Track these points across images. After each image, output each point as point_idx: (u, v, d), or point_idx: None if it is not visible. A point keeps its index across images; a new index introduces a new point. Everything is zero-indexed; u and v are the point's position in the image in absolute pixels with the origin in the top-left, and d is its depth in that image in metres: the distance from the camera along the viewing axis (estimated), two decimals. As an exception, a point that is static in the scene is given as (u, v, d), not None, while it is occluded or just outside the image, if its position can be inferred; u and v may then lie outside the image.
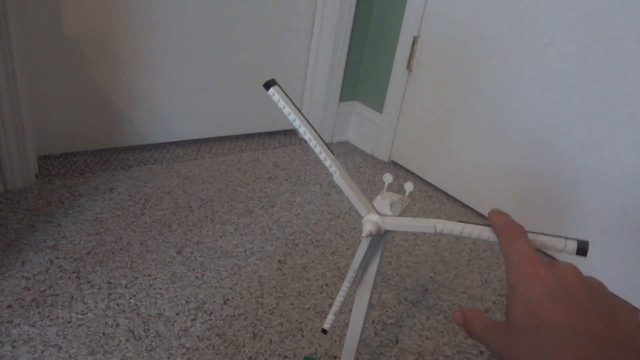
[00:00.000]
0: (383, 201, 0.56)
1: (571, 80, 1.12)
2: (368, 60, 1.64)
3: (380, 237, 0.55)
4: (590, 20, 1.07)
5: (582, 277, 0.30)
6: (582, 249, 0.39)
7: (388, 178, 0.65)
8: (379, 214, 0.53)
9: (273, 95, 0.54)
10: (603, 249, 1.12)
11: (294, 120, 0.54)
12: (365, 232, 0.52)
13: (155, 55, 1.32)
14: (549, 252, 1.18)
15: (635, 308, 0.28)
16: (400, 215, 0.58)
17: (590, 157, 1.12)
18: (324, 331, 0.55)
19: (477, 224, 0.45)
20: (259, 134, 1.68)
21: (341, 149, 1.69)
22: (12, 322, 0.81)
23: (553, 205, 1.21)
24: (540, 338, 0.27)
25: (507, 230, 0.35)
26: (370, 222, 0.53)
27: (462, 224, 0.46)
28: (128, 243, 1.03)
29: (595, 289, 0.29)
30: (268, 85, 0.54)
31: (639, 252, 1.07)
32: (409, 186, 0.66)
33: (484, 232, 0.43)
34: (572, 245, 0.39)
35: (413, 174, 1.56)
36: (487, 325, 0.33)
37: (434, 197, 1.45)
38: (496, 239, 0.38)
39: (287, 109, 0.54)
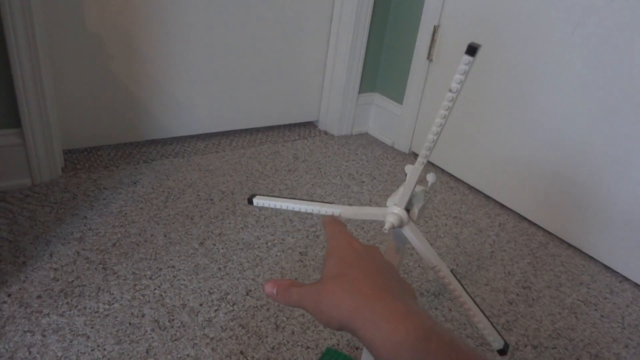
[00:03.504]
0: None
1: (599, 67, 1.09)
2: (388, 51, 1.63)
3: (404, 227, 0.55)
4: (619, 4, 1.03)
5: (382, 254, 0.46)
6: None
7: (410, 169, 0.64)
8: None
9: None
10: (628, 245, 1.10)
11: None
12: (387, 225, 0.52)
13: (176, 50, 1.34)
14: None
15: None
16: (423, 207, 0.57)
17: (617, 150, 1.09)
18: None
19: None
20: (279, 127, 1.68)
21: (361, 141, 1.68)
22: (41, 312, 0.83)
23: (577, 199, 1.18)
24: (347, 278, 0.40)
25: (332, 220, 0.51)
26: (391, 215, 0.53)
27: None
28: (152, 235, 1.05)
29: (388, 263, 0.45)
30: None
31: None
32: (431, 177, 0.65)
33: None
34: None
35: (434, 165, 1.55)
36: (301, 288, 0.42)
37: (455, 189, 1.44)
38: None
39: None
